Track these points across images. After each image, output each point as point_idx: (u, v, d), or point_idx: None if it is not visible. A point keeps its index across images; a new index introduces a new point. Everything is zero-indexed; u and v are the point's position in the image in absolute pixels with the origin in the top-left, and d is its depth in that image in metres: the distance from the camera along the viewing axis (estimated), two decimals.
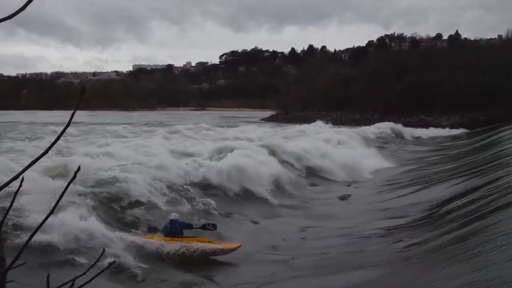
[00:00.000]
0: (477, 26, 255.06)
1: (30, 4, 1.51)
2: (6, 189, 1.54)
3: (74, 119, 1.57)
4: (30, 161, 1.55)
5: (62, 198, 1.66)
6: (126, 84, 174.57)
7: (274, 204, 16.39)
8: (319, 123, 43.31)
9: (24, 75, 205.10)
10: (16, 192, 1.58)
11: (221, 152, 20.38)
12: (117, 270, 8.74)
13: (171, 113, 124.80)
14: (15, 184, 1.55)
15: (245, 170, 17.40)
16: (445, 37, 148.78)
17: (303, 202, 17.20)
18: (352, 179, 21.90)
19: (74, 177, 1.62)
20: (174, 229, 10.89)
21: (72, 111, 1.58)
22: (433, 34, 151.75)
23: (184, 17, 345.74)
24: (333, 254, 10.39)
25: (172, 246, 10.47)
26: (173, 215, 11.33)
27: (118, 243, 9.88)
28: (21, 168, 1.58)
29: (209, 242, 10.78)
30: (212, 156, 20.08)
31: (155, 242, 10.52)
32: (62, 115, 65.49)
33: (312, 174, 21.88)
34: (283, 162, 21.15)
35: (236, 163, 17.52)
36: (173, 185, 14.99)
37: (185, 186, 15.49)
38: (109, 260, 8.11)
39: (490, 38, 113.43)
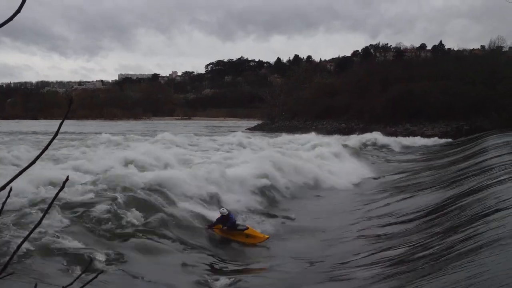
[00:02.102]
0: (463, 36, 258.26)
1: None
2: None
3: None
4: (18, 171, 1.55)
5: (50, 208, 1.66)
6: (112, 94, 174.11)
7: (257, 211, 16.43)
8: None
9: (8, 84, 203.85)
10: (4, 202, 1.58)
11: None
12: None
13: (158, 122, 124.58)
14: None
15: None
16: (429, 47, 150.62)
17: (282, 211, 17.15)
18: (335, 188, 21.92)
19: (62, 187, 1.63)
20: (233, 224, 12.70)
21: (57, 120, 1.59)
22: (418, 44, 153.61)
23: (171, 25, 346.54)
24: (313, 263, 10.40)
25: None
26: (222, 210, 12.98)
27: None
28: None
29: (250, 230, 12.70)
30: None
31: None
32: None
33: (296, 183, 21.80)
34: (267, 171, 21.14)
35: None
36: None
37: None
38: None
39: (473, 49, 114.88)
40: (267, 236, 12.54)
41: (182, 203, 14.58)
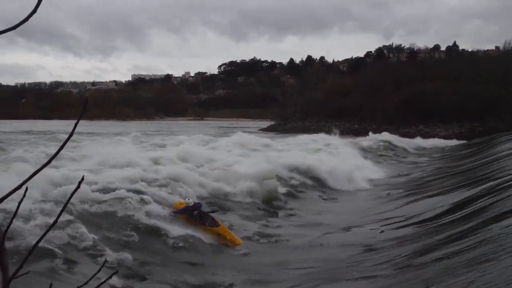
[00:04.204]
0: (477, 37, 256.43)
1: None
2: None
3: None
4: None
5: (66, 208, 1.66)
6: (125, 94, 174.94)
7: (271, 211, 16.48)
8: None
9: (23, 85, 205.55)
10: (20, 202, 1.58)
11: None
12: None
13: (171, 122, 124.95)
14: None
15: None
16: (443, 48, 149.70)
17: (295, 210, 17.16)
18: (349, 188, 21.87)
19: (78, 187, 1.63)
20: (200, 215, 12.52)
21: (70, 120, 1.60)
22: (432, 45, 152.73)
23: (184, 26, 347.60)
24: (327, 264, 10.37)
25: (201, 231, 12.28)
26: (188, 201, 12.93)
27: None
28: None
29: (225, 229, 12.41)
30: None
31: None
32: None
33: (308, 182, 21.79)
34: (282, 170, 21.19)
35: None
36: None
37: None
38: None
39: (488, 50, 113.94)
40: (240, 242, 12.17)
41: None
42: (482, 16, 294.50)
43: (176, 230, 12.14)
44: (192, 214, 12.52)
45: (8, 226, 1.57)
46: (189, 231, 12.16)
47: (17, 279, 1.52)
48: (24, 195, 1.55)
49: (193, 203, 12.73)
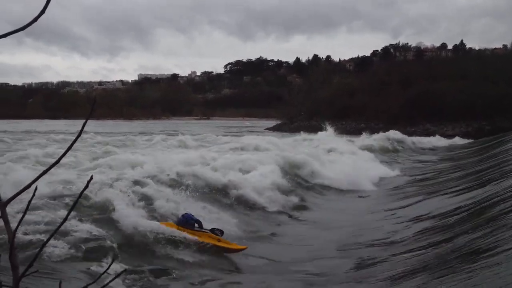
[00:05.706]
0: (485, 35, 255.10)
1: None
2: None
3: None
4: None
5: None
6: (131, 93, 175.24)
7: (274, 212, 16.46)
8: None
9: (30, 85, 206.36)
10: (29, 202, 1.60)
11: None
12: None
13: (178, 122, 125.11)
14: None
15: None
16: (450, 46, 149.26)
17: (300, 211, 17.11)
18: (356, 188, 21.79)
19: (86, 186, 1.64)
20: (187, 222, 11.60)
21: (77, 120, 1.61)
22: (439, 43, 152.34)
23: (191, 25, 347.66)
24: (337, 264, 10.37)
25: (184, 235, 11.22)
26: (185, 212, 12.19)
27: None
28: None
29: (219, 239, 11.40)
30: None
31: (169, 229, 11.33)
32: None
33: (314, 182, 21.75)
34: (286, 170, 21.18)
35: None
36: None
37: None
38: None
39: (495, 48, 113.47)
40: (244, 247, 11.47)
41: None
42: (490, 14, 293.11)
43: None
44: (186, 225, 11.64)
45: (18, 225, 1.59)
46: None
47: (27, 277, 1.53)
48: (33, 194, 1.57)
49: (181, 216, 11.96)
